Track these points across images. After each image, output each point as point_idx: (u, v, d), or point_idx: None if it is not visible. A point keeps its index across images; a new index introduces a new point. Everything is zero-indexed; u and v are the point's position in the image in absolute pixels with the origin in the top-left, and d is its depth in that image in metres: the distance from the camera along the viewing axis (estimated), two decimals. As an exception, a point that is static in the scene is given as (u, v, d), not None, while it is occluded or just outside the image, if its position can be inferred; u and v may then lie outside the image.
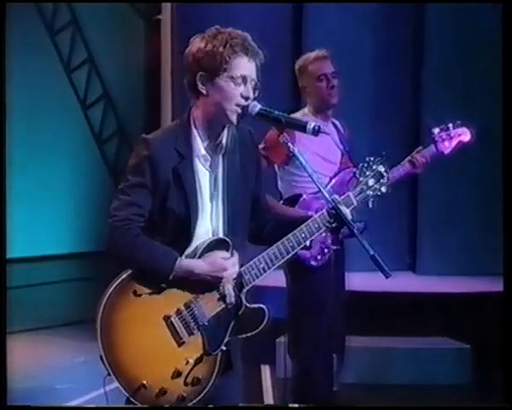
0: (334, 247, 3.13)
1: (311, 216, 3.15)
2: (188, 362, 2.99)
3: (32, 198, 10.23)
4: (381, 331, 6.48)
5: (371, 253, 2.97)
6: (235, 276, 3.03)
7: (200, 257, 3.01)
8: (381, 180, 3.18)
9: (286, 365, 4.36)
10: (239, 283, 3.04)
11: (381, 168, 3.19)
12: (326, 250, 4.40)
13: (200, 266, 3.00)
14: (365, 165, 3.18)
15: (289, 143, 3.07)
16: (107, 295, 2.95)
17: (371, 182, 3.17)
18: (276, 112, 3.08)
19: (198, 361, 3.00)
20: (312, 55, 4.74)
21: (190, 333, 3.00)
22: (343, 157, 4.71)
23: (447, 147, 4.68)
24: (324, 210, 3.10)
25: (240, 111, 3.02)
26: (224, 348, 3.03)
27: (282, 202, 4.68)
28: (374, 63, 7.77)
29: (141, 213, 2.98)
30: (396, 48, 7.82)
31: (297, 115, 4.63)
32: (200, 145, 3.05)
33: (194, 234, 3.03)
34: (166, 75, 8.19)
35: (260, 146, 4.57)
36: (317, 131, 3.07)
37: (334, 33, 7.30)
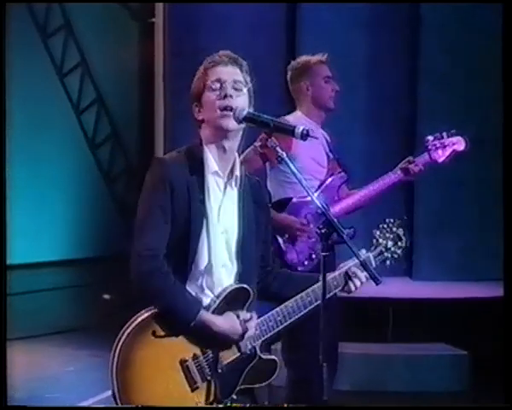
0: (323, 253, 3.06)
1: (317, 277, 3.12)
2: (198, 407, 3.00)
3: (26, 204, 10.16)
4: (376, 338, 6.44)
5: (361, 259, 2.97)
6: (251, 336, 3.04)
7: (220, 304, 3.01)
8: (399, 243, 3.25)
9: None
10: (256, 334, 3.05)
11: (400, 231, 3.26)
12: (314, 256, 4.37)
13: (219, 324, 3.00)
14: (385, 226, 3.24)
15: (277, 148, 3.03)
16: (127, 333, 2.95)
17: (390, 244, 3.24)
18: (265, 116, 3.05)
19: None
20: (315, 57, 4.73)
21: (204, 379, 3.00)
22: (330, 163, 4.69)
23: (441, 155, 4.67)
24: (344, 271, 3.14)
25: (227, 114, 3.01)
26: (234, 397, 3.04)
27: (270, 205, 4.63)
28: (368, 66, 7.73)
29: (165, 237, 2.97)
30: (391, 50, 7.77)
31: (289, 118, 4.60)
32: (212, 162, 3.06)
33: (201, 259, 3.01)
34: (159, 79, 8.14)
35: (256, 144, 4.54)
36: (305, 136, 3.03)
37: (327, 36, 7.24)
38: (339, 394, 5.10)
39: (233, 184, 3.09)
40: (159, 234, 2.96)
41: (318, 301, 3.08)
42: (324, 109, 4.71)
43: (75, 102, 10.88)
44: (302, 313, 3.09)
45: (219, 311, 3.02)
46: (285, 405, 4.46)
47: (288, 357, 4.61)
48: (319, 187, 4.59)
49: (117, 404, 2.93)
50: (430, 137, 4.66)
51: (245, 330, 3.00)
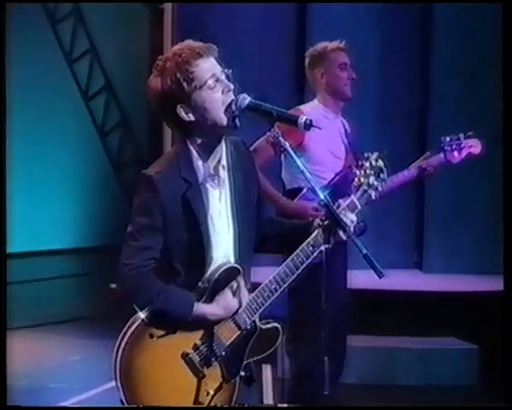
0: (326, 245, 2.99)
1: (311, 223, 3.07)
2: (208, 393, 2.98)
3: (34, 192, 10.12)
4: (386, 331, 6.38)
5: (364, 252, 2.88)
6: (246, 303, 3.01)
7: (213, 287, 2.98)
8: (382, 175, 3.09)
9: (283, 364, 4.27)
10: (252, 308, 3.01)
11: (381, 163, 3.08)
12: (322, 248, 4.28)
13: (213, 311, 2.98)
14: (365, 163, 3.08)
15: (280, 138, 2.96)
16: (124, 343, 2.93)
17: (372, 180, 3.08)
18: (267, 105, 2.96)
19: (217, 390, 2.98)
20: (333, 43, 4.65)
21: (209, 365, 2.98)
22: (347, 155, 4.61)
23: (456, 157, 4.61)
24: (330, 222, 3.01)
25: (229, 113, 2.92)
26: (242, 373, 3.01)
27: (282, 193, 4.57)
28: (380, 57, 7.67)
29: (152, 256, 2.94)
30: (403, 42, 7.70)
31: (306, 107, 4.54)
32: (203, 167, 2.98)
33: (212, 258, 2.99)
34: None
35: (269, 133, 4.44)
36: (308, 125, 2.94)
37: (339, 27, 7.15)
38: (346, 387, 5.03)
39: (222, 169, 3.01)
40: (146, 254, 2.92)
41: (309, 259, 3.03)
42: (340, 98, 4.63)
43: (84, 88, 10.82)
44: (295, 275, 3.03)
45: (213, 296, 2.98)
46: (285, 405, 4.40)
47: (292, 350, 4.57)
48: (332, 180, 4.51)
49: None
50: (447, 138, 4.59)
51: (240, 304, 2.98)
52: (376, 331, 6.29)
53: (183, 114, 2.92)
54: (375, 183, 3.07)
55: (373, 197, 3.08)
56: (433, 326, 6.43)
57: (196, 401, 2.95)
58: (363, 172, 3.07)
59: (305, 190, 4.45)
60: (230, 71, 2.95)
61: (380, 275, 2.88)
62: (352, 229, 2.96)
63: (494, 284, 6.99)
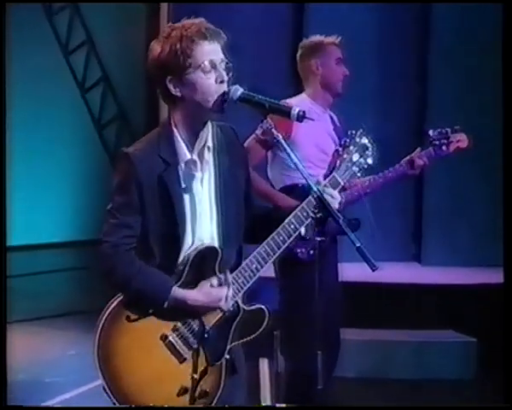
0: (319, 238, 2.96)
1: (298, 205, 3.02)
2: (193, 377, 2.91)
3: (31, 185, 10.10)
4: (383, 324, 6.35)
5: (357, 244, 2.85)
6: (230, 306, 2.95)
7: (190, 268, 2.92)
8: (366, 152, 3.06)
9: (278, 359, 4.26)
10: (233, 288, 2.94)
11: (365, 140, 3.06)
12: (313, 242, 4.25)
13: (194, 297, 2.92)
14: (347, 140, 3.06)
15: (273, 130, 2.93)
16: (101, 326, 2.89)
17: (356, 157, 3.05)
18: (260, 96, 2.93)
19: (203, 374, 2.92)
20: (329, 38, 4.62)
21: (190, 348, 2.93)
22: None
23: (444, 151, 4.63)
24: (310, 197, 2.97)
25: (220, 98, 2.89)
26: (227, 356, 2.96)
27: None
28: (377, 51, 7.66)
29: (131, 234, 2.90)
30: (401, 34, 7.68)
31: (293, 100, 4.47)
32: (185, 150, 2.94)
33: (194, 240, 2.94)
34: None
35: (257, 132, 4.42)
36: (301, 117, 2.91)
37: (336, 20, 7.12)
38: (343, 381, 5.02)
39: (206, 153, 2.96)
40: (125, 232, 2.88)
41: (291, 238, 2.96)
42: (332, 93, 4.59)
43: (80, 80, 10.79)
44: (277, 254, 2.96)
45: (191, 277, 2.93)
46: (284, 405, 4.38)
47: (285, 346, 4.56)
48: (326, 177, 4.46)
49: (108, 396, 2.87)
50: (435, 132, 4.60)
51: (220, 299, 2.91)
52: (374, 324, 6.27)
53: (171, 87, 2.90)
54: (360, 160, 3.05)
55: (357, 174, 3.06)
56: (431, 319, 6.43)
57: (181, 386, 2.89)
58: (346, 149, 3.05)
59: (299, 185, 4.37)
60: (231, 64, 2.92)
61: (373, 268, 2.86)
62: (335, 205, 2.92)
63: (492, 276, 6.98)
